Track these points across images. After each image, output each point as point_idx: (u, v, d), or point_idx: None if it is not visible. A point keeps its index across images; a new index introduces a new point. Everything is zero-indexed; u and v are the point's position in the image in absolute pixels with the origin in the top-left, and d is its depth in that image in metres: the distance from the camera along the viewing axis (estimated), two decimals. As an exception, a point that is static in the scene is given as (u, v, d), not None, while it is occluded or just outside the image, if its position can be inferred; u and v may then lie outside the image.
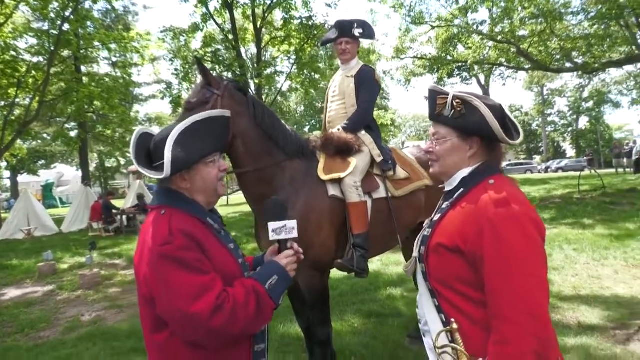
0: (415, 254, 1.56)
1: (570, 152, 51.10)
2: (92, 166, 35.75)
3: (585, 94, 46.06)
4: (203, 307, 1.27)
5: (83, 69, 19.49)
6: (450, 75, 24.49)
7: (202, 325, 1.28)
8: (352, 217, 2.92)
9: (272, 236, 1.58)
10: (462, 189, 1.47)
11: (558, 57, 17.37)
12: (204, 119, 1.48)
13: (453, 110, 1.47)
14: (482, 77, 27.81)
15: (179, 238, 1.33)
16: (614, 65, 17.36)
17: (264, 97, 20.30)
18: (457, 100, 1.46)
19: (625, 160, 22.67)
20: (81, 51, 17.14)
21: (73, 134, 20.61)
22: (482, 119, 1.42)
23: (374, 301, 5.15)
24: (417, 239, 1.59)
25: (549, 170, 39.63)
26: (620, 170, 22.82)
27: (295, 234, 1.58)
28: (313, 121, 38.60)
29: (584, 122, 48.38)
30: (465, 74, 26.97)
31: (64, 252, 10.61)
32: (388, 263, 6.95)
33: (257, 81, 16.78)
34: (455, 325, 1.33)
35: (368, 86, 3.29)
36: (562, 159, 45.41)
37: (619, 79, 41.22)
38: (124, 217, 14.56)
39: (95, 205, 14.52)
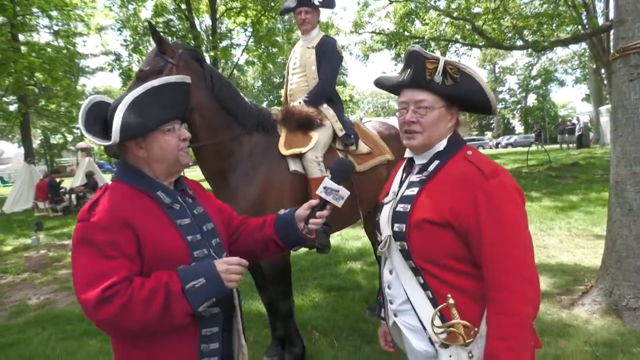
0: (387, 232, 1.48)
1: (519, 128, 53.33)
2: (36, 143, 33.69)
3: (534, 72, 47.92)
4: (90, 296, 1.20)
5: (21, 37, 18.03)
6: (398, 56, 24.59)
7: (90, 314, 1.21)
8: (314, 193, 2.87)
9: (321, 191, 1.58)
10: (437, 161, 1.44)
11: (510, 34, 17.85)
12: (161, 85, 1.40)
13: (444, 77, 1.40)
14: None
15: (97, 215, 1.27)
16: (561, 44, 18.07)
17: (220, 70, 19.70)
18: (451, 67, 1.39)
19: (567, 136, 24.06)
20: (18, 18, 15.83)
21: (12, 108, 19.20)
22: (479, 89, 1.40)
23: (334, 275, 5.21)
24: (384, 216, 1.52)
25: (500, 145, 41.34)
26: (564, 145, 24.16)
27: (340, 204, 1.59)
28: (271, 97, 38.03)
29: (532, 99, 50.50)
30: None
31: (6, 234, 10.02)
32: (347, 237, 7.03)
33: (212, 54, 16.22)
34: (452, 301, 1.31)
35: (329, 57, 3.22)
36: (512, 135, 47.38)
37: (565, 58, 43.07)
38: (73, 196, 13.88)
39: (40, 184, 13.72)
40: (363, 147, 3.27)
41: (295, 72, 3.37)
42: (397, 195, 1.51)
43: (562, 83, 46.91)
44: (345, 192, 1.59)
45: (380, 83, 1.63)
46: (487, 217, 1.28)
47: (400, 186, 1.54)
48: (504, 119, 53.12)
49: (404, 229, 1.40)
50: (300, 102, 3.15)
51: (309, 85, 3.26)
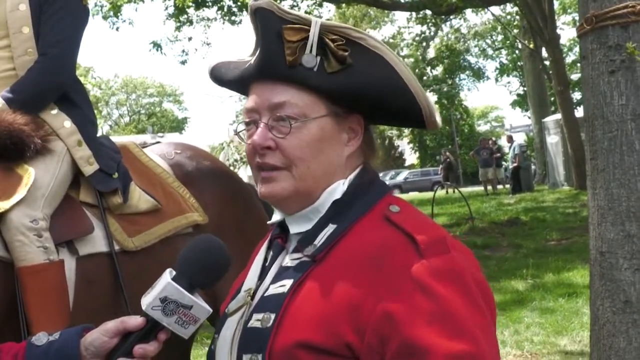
0: None
1: (411, 157, 58.76)
2: None
3: (431, 53, 53.57)
4: None
5: None
6: (182, 11, 25.40)
7: None
8: (30, 298, 2.96)
9: (151, 304, 1.50)
10: (332, 227, 1.50)
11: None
12: None
13: (323, 57, 1.48)
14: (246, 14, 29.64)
15: None
16: (480, 3, 20.63)
17: None
18: (335, 36, 1.48)
19: (491, 171, 27.05)
20: None
21: None
22: (393, 75, 1.50)
23: None
24: (225, 342, 1.56)
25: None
26: (490, 187, 27.22)
27: (188, 334, 1.58)
28: None
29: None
30: (210, 5, 27.94)
31: None
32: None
33: None
34: None
35: (61, 6, 3.33)
36: (401, 169, 51.91)
37: (482, 30, 49.12)
38: None
39: None
40: (141, 200, 3.41)
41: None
42: (252, 298, 1.56)
43: (478, 74, 53.29)
44: (202, 310, 1.57)
45: (219, 76, 1.73)
46: (421, 333, 1.30)
47: (261, 279, 1.60)
48: (385, 139, 58.05)
49: None
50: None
51: (16, 67, 3.34)
